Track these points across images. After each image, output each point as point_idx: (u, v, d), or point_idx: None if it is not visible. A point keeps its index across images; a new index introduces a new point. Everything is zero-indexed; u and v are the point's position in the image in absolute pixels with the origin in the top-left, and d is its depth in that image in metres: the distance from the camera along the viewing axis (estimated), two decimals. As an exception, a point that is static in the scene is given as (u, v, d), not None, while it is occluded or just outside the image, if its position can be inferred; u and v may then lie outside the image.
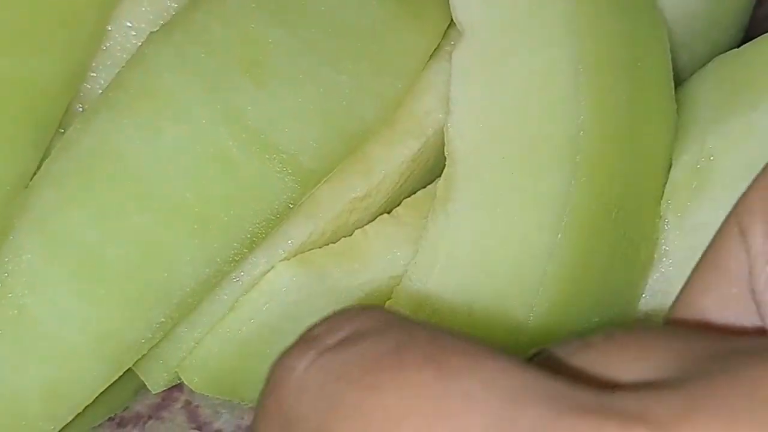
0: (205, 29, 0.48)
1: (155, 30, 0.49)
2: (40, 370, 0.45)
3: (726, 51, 0.57)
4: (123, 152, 0.46)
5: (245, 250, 0.47)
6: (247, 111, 0.47)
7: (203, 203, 0.46)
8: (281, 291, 0.49)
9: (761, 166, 0.48)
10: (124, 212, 0.46)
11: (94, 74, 0.53)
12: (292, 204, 0.47)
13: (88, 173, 0.46)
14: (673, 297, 0.50)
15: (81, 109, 0.53)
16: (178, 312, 0.47)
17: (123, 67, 0.48)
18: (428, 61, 0.54)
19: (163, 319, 0.46)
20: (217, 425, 0.61)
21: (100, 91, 0.52)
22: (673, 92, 0.52)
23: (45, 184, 0.46)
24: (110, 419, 0.60)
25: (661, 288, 0.51)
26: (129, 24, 0.54)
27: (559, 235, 0.47)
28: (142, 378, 0.51)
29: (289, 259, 0.50)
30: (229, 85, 0.47)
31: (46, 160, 0.47)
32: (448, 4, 0.52)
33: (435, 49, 0.55)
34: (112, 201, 0.46)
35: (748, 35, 0.60)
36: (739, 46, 0.57)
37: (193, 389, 0.51)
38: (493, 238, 0.48)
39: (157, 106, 0.46)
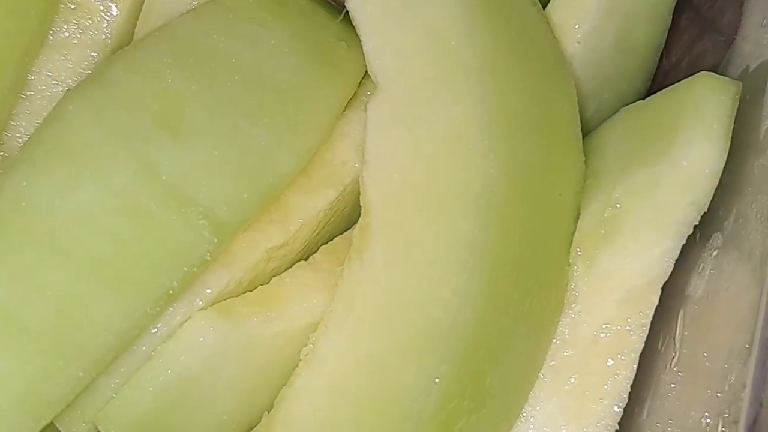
0: (123, 85, 0.48)
1: (74, 85, 0.50)
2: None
3: (633, 100, 0.58)
4: (40, 208, 0.46)
5: (163, 304, 0.47)
6: (163, 165, 0.48)
7: (120, 259, 0.46)
8: (198, 341, 0.50)
9: (666, 216, 0.50)
10: (41, 269, 0.46)
11: (14, 123, 0.54)
12: (209, 257, 0.48)
13: (5, 230, 0.46)
14: (583, 341, 0.52)
15: (1, 157, 0.53)
16: (97, 367, 0.47)
17: (41, 123, 0.49)
18: (344, 111, 0.55)
19: (81, 374, 0.46)
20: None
21: (20, 140, 0.53)
22: (581, 143, 0.54)
23: (-39, 240, 0.47)
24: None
25: (571, 333, 0.52)
26: (50, 74, 0.54)
27: (468, 285, 0.48)
28: (60, 428, 0.51)
29: (206, 309, 0.51)
30: (145, 140, 0.48)
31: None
32: (363, 56, 0.53)
33: (350, 99, 0.56)
34: (29, 257, 0.46)
35: (653, 85, 0.62)
36: (645, 96, 0.59)
37: (111, 440, 0.51)
38: (405, 287, 0.49)
39: (74, 163, 0.47)
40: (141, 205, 0.47)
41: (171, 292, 0.47)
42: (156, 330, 0.50)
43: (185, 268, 0.47)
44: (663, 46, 0.61)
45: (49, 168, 0.47)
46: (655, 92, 0.55)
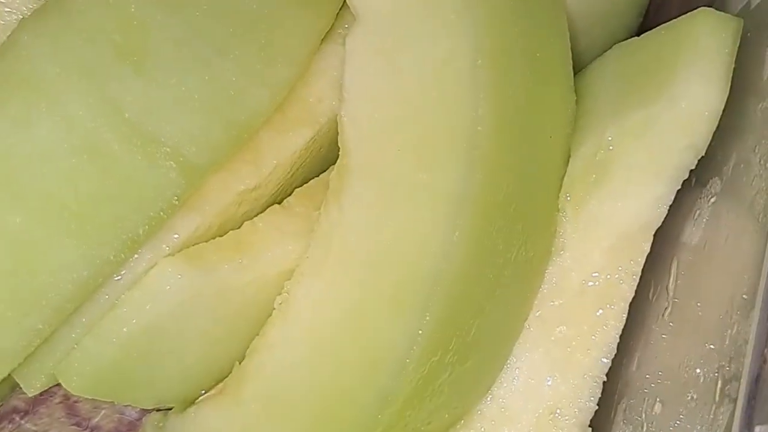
0: (82, 14, 0.45)
1: (29, 14, 0.46)
2: None
3: (624, 37, 0.56)
4: (-7, 146, 0.43)
5: (127, 251, 0.44)
6: (127, 101, 0.44)
7: (80, 201, 0.43)
8: (165, 290, 0.47)
9: (661, 159, 0.48)
10: (-4, 212, 0.42)
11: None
12: (176, 201, 0.45)
13: (-46, 169, 0.43)
14: (571, 290, 0.50)
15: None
16: (56, 317, 0.44)
17: (-6, 55, 0.45)
18: (320, 44, 0.52)
19: (40, 326, 0.44)
20: (96, 420, 0.59)
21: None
22: (573, 82, 0.51)
23: None
24: (-16, 416, 0.57)
25: (558, 282, 0.50)
26: (3, 0, 0.51)
27: (455, 234, 0.45)
28: (18, 380, 0.49)
29: (173, 255, 0.48)
30: (107, 74, 0.44)
31: None
32: (342, -15, 0.50)
33: (327, 31, 0.52)
34: (-20, 200, 0.43)
35: (645, 21, 0.59)
36: (637, 32, 0.56)
37: (71, 392, 0.48)
38: (386, 234, 0.46)
39: (30, 97, 0.43)
40: (103, 144, 0.44)
41: (136, 238, 0.44)
42: (120, 278, 0.47)
43: (151, 213, 0.44)
44: (656, -22, 0.58)
45: (3, 103, 0.43)
46: (648, 28, 0.52)
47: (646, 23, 0.59)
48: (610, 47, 0.54)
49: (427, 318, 0.45)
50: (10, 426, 0.58)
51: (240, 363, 0.50)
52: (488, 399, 0.50)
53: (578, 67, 0.54)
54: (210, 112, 0.46)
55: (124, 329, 0.47)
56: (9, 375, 0.48)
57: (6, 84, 0.44)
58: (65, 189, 0.43)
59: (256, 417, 0.48)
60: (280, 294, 0.50)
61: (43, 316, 0.43)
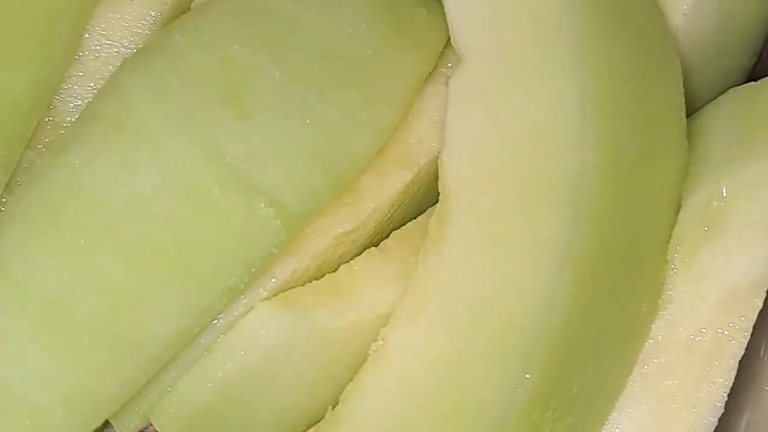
0: (183, 55, 0.45)
1: (129, 49, 0.46)
2: (7, 430, 0.42)
3: (737, 77, 0.54)
4: (94, 191, 0.43)
5: (225, 300, 0.44)
6: (228, 146, 0.44)
7: (180, 249, 0.43)
8: (261, 334, 0.46)
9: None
10: (95, 258, 0.42)
11: (66, 86, 0.51)
12: (275, 250, 0.44)
13: (56, 214, 0.43)
14: (677, 345, 0.48)
15: (51, 122, 0.49)
16: (152, 367, 0.44)
17: (96, 96, 0.45)
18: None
19: (136, 376, 0.43)
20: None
21: (71, 104, 0.49)
22: (685, 129, 0.49)
23: (10, 223, 0.43)
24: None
25: (665, 336, 0.48)
26: (104, 33, 0.51)
27: (559, 286, 0.44)
28: (111, 422, 0.49)
29: (270, 299, 0.47)
30: (208, 118, 0.44)
31: (13, 197, 0.44)
32: (445, 25, 0.48)
33: (430, 72, 0.51)
34: (82, 245, 0.43)
35: (759, 62, 0.57)
36: (751, 73, 0.54)
37: (165, 435, 0.48)
38: (487, 285, 0.45)
39: (131, 141, 0.43)
40: (203, 189, 0.43)
41: (234, 288, 0.44)
42: (216, 321, 0.46)
43: (251, 262, 0.44)
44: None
45: (104, 146, 0.43)
46: (762, 69, 0.50)
47: (760, 64, 0.56)
48: (723, 90, 0.52)
49: (528, 374, 0.44)
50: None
51: (333, 408, 0.49)
52: (590, 456, 0.49)
53: (689, 109, 0.52)
54: (311, 158, 0.45)
55: (219, 373, 0.46)
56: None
57: (108, 127, 0.44)
58: (165, 235, 0.43)
59: (348, 464, 0.47)
60: (375, 340, 0.49)
61: (139, 365, 0.43)
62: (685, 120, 0.49)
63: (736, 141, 0.48)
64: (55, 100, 0.51)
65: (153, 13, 0.52)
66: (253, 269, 0.44)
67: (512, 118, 0.46)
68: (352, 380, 0.49)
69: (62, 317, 0.42)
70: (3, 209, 0.46)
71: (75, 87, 0.51)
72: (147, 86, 0.44)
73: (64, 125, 0.50)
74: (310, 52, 0.46)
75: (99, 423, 0.44)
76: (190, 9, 0.51)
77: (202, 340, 0.46)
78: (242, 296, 0.46)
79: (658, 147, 0.47)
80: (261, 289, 0.47)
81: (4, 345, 0.42)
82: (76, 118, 0.45)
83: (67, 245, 0.43)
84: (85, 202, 0.43)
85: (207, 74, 0.44)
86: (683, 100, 0.49)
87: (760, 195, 0.46)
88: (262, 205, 0.44)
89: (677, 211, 0.49)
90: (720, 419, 0.47)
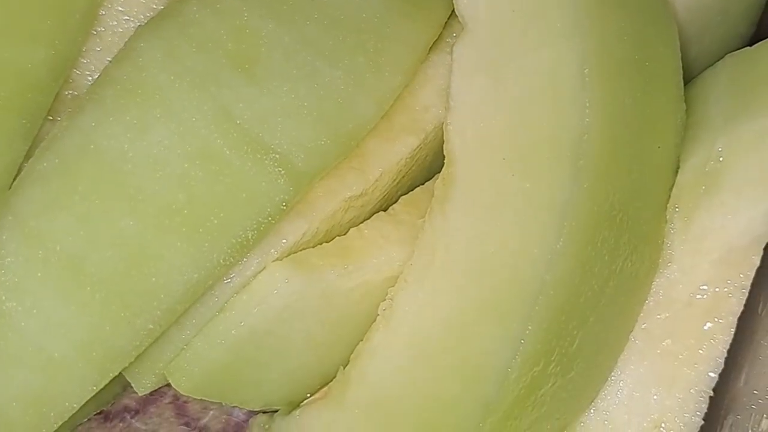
0: (196, 23, 0.46)
1: (145, 22, 0.47)
2: (25, 379, 0.44)
3: (736, 45, 0.55)
4: (109, 152, 0.44)
5: (236, 255, 0.45)
6: (239, 108, 0.45)
7: (192, 205, 0.44)
8: (273, 293, 0.48)
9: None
10: (110, 215, 0.44)
11: (85, 60, 0.52)
12: (284, 206, 0.46)
13: (72, 174, 0.44)
14: (678, 303, 0.49)
15: (71, 95, 0.51)
16: (166, 318, 0.45)
17: (110, 62, 0.46)
18: (427, 53, 0.52)
19: (151, 326, 0.45)
20: (204, 421, 0.60)
21: (90, 78, 0.51)
22: (683, 92, 0.50)
23: (29, 183, 0.45)
24: (97, 413, 0.59)
25: (665, 294, 0.49)
26: (121, 8, 0.52)
27: (560, 243, 0.45)
28: (129, 379, 0.50)
29: (281, 259, 0.48)
30: (220, 82, 0.45)
31: (31, 159, 0.46)
32: (450, -6, 0.50)
33: (435, 41, 0.53)
34: (97, 203, 0.44)
35: (759, 30, 0.58)
36: (749, 42, 0.55)
37: (181, 392, 0.49)
38: (490, 243, 0.46)
39: (144, 104, 0.45)
40: (215, 150, 0.45)
41: (245, 242, 0.45)
42: (229, 280, 0.48)
43: (260, 218, 0.45)
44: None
45: (119, 109, 0.45)
46: (760, 38, 0.51)
47: (758, 32, 0.57)
48: (722, 57, 0.53)
49: (530, 327, 0.45)
50: (121, 425, 0.59)
51: (344, 368, 0.50)
52: (591, 411, 0.50)
53: (689, 77, 0.53)
54: (318, 120, 0.46)
55: (233, 331, 0.48)
56: (121, 374, 0.49)
57: (122, 91, 0.45)
58: (177, 193, 0.44)
59: (358, 422, 0.48)
60: (384, 300, 0.50)
61: (154, 316, 0.45)
62: (682, 84, 0.50)
63: (732, 104, 0.49)
64: (74, 74, 0.52)
65: (168, -11, 0.53)
66: (263, 226, 0.45)
67: (514, 82, 0.48)
68: (362, 340, 0.50)
69: (79, 271, 0.44)
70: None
71: (93, 61, 0.52)
72: (160, 51, 0.45)
73: (83, 98, 0.52)
74: (318, 19, 0.48)
75: (116, 372, 0.45)
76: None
77: (216, 299, 0.48)
78: (254, 256, 0.48)
79: (656, 109, 0.48)
80: (272, 250, 0.48)
81: (23, 298, 0.44)
82: (92, 83, 0.47)
83: (82, 204, 0.44)
84: (100, 162, 0.44)
85: (218, 40, 0.46)
86: (680, 64, 0.50)
87: (755, 152, 0.47)
88: (272, 164, 0.45)
89: (676, 173, 0.50)
90: (720, 374, 0.48)
